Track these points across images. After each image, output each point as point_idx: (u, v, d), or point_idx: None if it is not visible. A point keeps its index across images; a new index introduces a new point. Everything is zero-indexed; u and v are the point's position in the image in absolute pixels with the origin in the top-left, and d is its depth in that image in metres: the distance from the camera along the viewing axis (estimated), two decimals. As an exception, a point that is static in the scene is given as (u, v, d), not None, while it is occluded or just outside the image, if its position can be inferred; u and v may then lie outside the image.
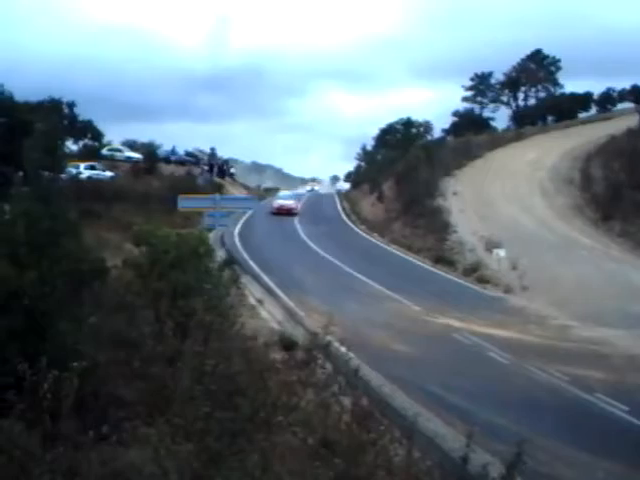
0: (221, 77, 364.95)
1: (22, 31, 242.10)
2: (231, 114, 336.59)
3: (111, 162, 59.93)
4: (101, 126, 66.09)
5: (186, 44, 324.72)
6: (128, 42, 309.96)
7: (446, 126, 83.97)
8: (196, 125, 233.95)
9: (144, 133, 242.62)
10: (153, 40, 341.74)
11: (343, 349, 15.37)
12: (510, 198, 44.43)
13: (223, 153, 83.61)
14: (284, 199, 60.14)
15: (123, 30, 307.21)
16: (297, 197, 64.35)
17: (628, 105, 74.43)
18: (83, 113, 61.40)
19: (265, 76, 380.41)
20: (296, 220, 49.76)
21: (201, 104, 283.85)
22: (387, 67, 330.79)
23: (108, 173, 54.18)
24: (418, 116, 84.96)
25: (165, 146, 70.97)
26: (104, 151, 63.77)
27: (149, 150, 65.72)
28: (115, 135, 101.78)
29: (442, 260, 33.75)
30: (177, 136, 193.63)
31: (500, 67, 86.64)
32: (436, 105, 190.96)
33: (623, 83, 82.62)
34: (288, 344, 17.17)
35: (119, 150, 66.08)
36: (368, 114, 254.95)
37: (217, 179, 65.53)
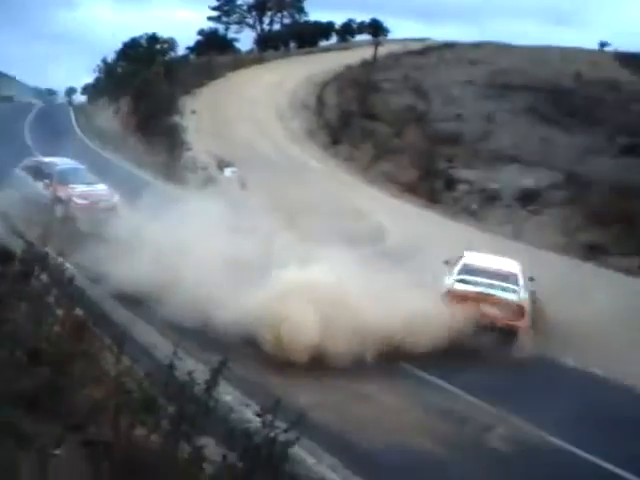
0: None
1: None
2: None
3: None
4: None
5: None
6: None
7: (191, 44, 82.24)
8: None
9: None
10: None
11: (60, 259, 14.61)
12: (247, 120, 44.58)
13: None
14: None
15: None
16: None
17: (366, 37, 77.61)
18: None
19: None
20: (26, 131, 46.42)
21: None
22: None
23: None
24: (176, 34, 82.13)
25: None
26: None
27: None
28: None
29: (173, 176, 33.21)
30: None
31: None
32: (195, 24, 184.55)
33: (364, 16, 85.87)
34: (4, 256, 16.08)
35: None
36: (129, 29, 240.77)
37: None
